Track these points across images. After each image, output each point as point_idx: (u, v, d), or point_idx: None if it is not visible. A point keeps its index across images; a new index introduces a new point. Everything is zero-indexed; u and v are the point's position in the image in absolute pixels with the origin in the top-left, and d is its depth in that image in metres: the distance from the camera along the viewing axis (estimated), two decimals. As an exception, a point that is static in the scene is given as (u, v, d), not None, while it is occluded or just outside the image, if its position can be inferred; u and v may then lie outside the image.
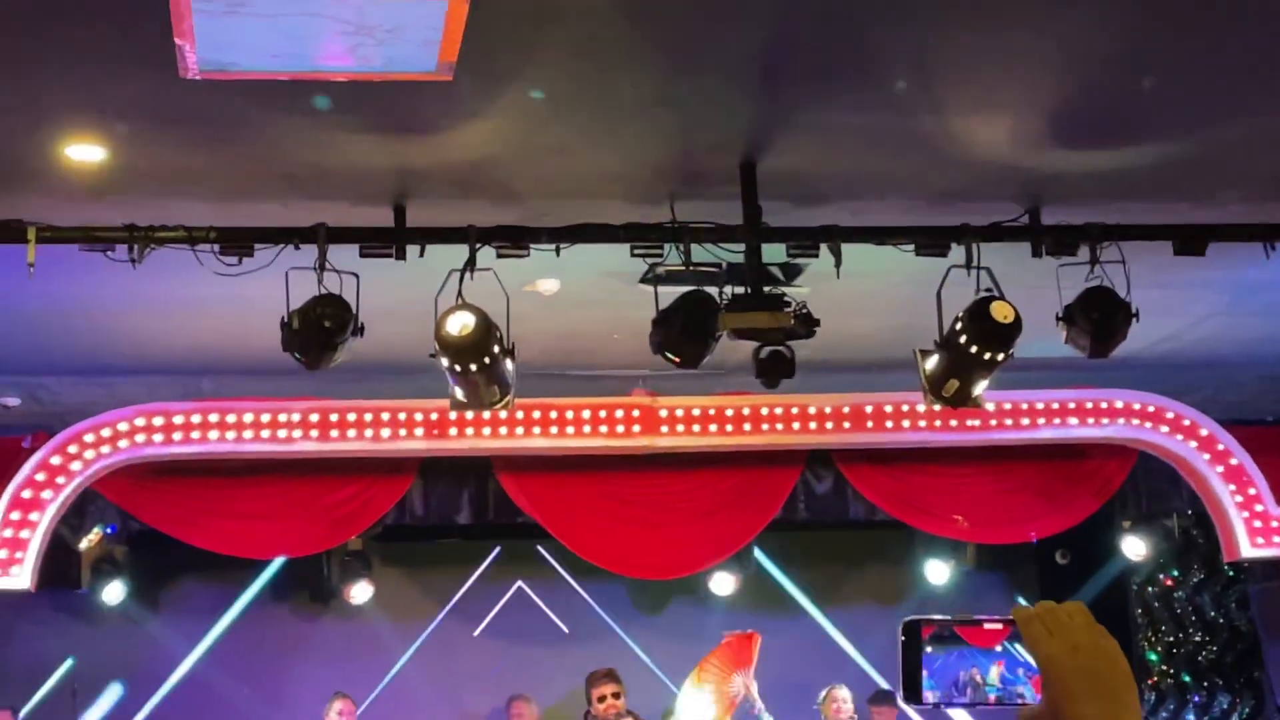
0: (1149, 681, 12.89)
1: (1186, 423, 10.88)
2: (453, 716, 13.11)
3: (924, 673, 2.35)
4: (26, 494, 10.07)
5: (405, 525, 11.68)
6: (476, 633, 13.43)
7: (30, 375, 10.97)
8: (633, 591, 13.49)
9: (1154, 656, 12.88)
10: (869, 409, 10.77)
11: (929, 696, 2.35)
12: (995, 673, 2.37)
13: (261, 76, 5.86)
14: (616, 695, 10.70)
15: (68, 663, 12.99)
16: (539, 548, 13.11)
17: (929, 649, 2.33)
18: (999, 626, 2.33)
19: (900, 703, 2.38)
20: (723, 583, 13.04)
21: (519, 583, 13.66)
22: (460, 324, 7.51)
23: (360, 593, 12.92)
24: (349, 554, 12.69)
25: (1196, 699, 12.66)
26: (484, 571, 13.62)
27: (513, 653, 13.42)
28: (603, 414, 10.57)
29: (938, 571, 12.97)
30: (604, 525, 11.18)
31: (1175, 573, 12.80)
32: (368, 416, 10.38)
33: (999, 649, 2.37)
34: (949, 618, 2.36)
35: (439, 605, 13.61)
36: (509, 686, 12.63)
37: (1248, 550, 10.80)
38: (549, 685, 12.91)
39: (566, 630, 13.49)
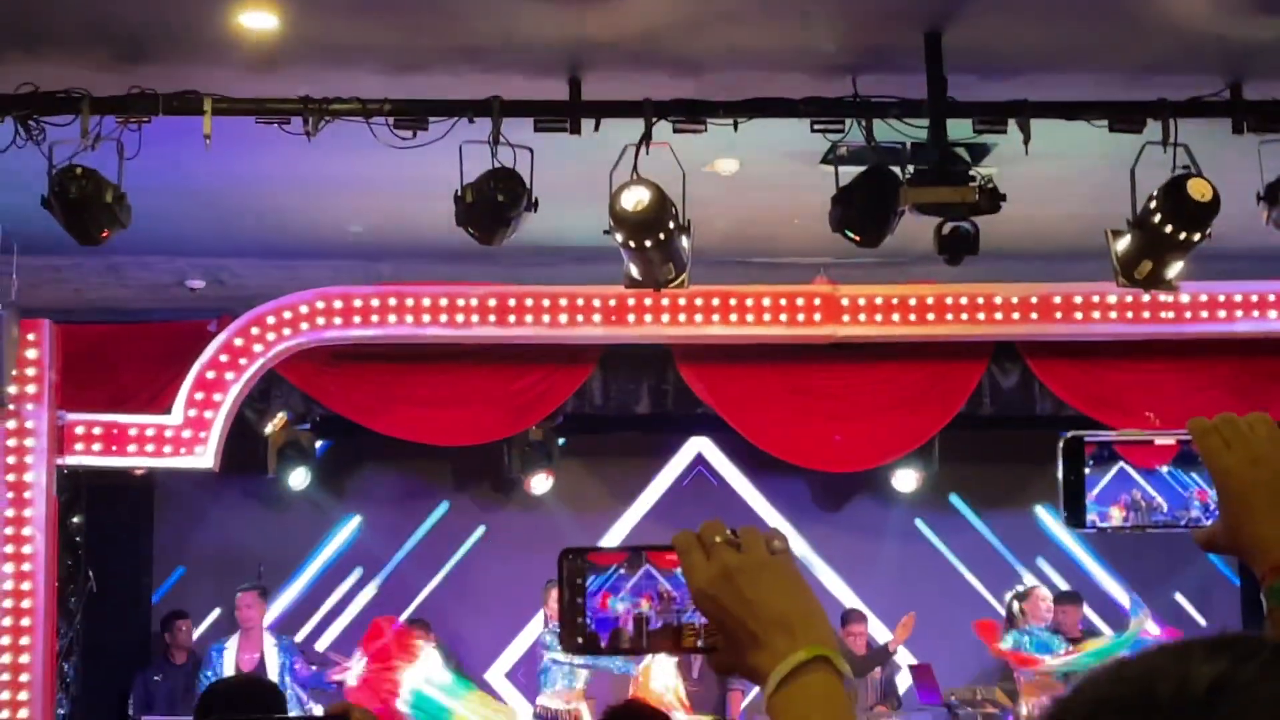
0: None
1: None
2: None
3: (1087, 494, 2.12)
4: (210, 375, 10.18)
5: (584, 415, 11.66)
6: (654, 525, 13.38)
7: (213, 257, 11.08)
8: (812, 486, 13.34)
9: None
10: (1058, 299, 10.45)
11: (1093, 519, 2.13)
12: (1164, 494, 2.13)
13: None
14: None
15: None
16: (718, 439, 12.99)
17: (1090, 468, 2.11)
18: (1171, 442, 2.09)
19: (1065, 525, 2.12)
20: (905, 479, 12.83)
21: (698, 472, 13.58)
22: (635, 199, 7.40)
23: (540, 483, 12.93)
24: (529, 444, 12.69)
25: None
26: (664, 464, 13.55)
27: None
28: (783, 302, 10.38)
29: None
30: (785, 417, 11.04)
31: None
32: (545, 302, 10.31)
33: (1166, 469, 2.13)
34: (1114, 433, 2.13)
35: (617, 497, 13.58)
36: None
37: None
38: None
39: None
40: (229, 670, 11.27)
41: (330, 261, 10.90)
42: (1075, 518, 2.12)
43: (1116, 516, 2.12)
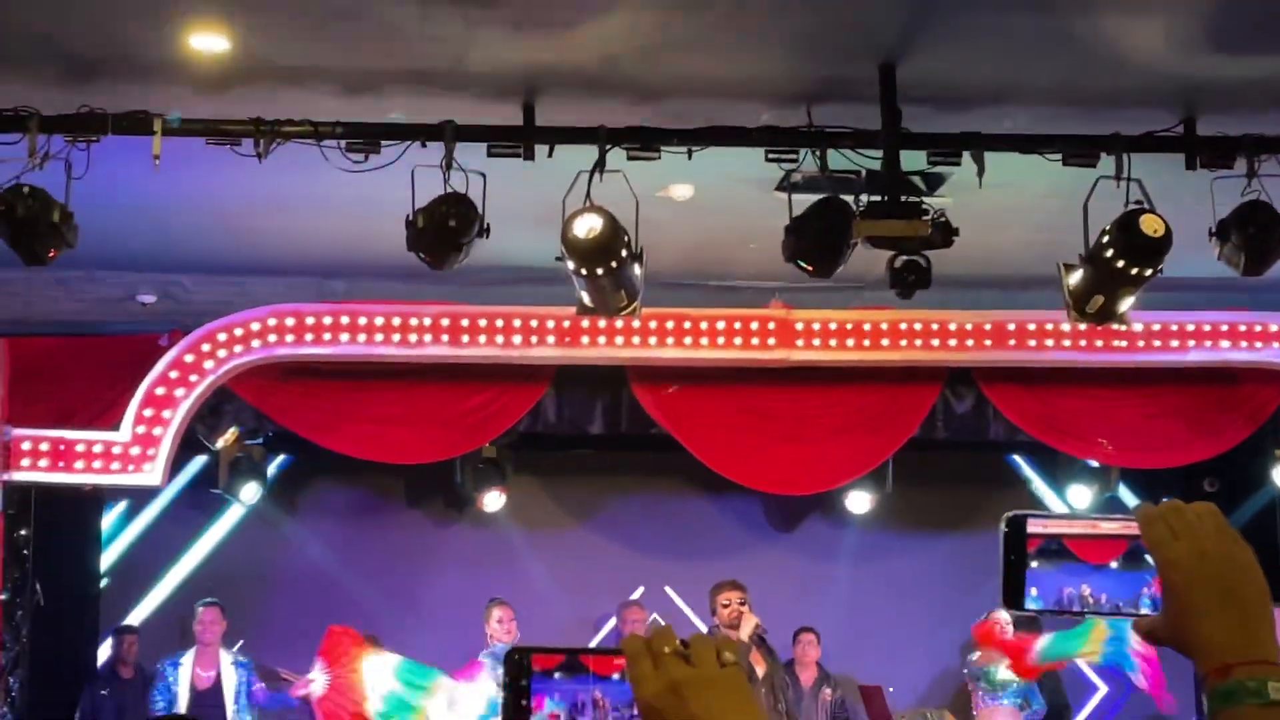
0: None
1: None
2: (583, 625, 13.05)
3: (1027, 582, 2.06)
4: (160, 391, 10.10)
5: (538, 434, 11.61)
6: (607, 543, 13.33)
7: (165, 273, 10.98)
8: (766, 506, 13.31)
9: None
10: (1011, 326, 10.47)
11: (1030, 605, 2.07)
12: (1111, 586, 2.06)
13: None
14: (742, 601, 10.54)
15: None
16: (671, 460, 12.94)
17: (1034, 563, 2.04)
18: (1117, 531, 2.02)
19: (1003, 605, 2.05)
20: (858, 501, 12.81)
21: (651, 495, 13.52)
22: (587, 226, 7.36)
23: (493, 501, 12.86)
24: (482, 461, 12.61)
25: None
26: (617, 483, 13.50)
27: (642, 565, 13.32)
28: (737, 325, 10.37)
29: (1080, 497, 12.64)
30: (738, 439, 11.02)
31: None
32: (499, 322, 10.27)
33: (1114, 564, 2.06)
34: (1059, 519, 2.05)
35: (571, 514, 13.52)
36: (629, 590, 12.53)
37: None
38: (680, 597, 12.81)
39: (698, 545, 13.35)
40: (184, 687, 11.15)
41: (283, 279, 10.83)
42: (1013, 600, 2.06)
43: (1059, 603, 2.07)
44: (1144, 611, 2.02)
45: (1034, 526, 2.04)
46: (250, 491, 12.42)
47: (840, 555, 13.44)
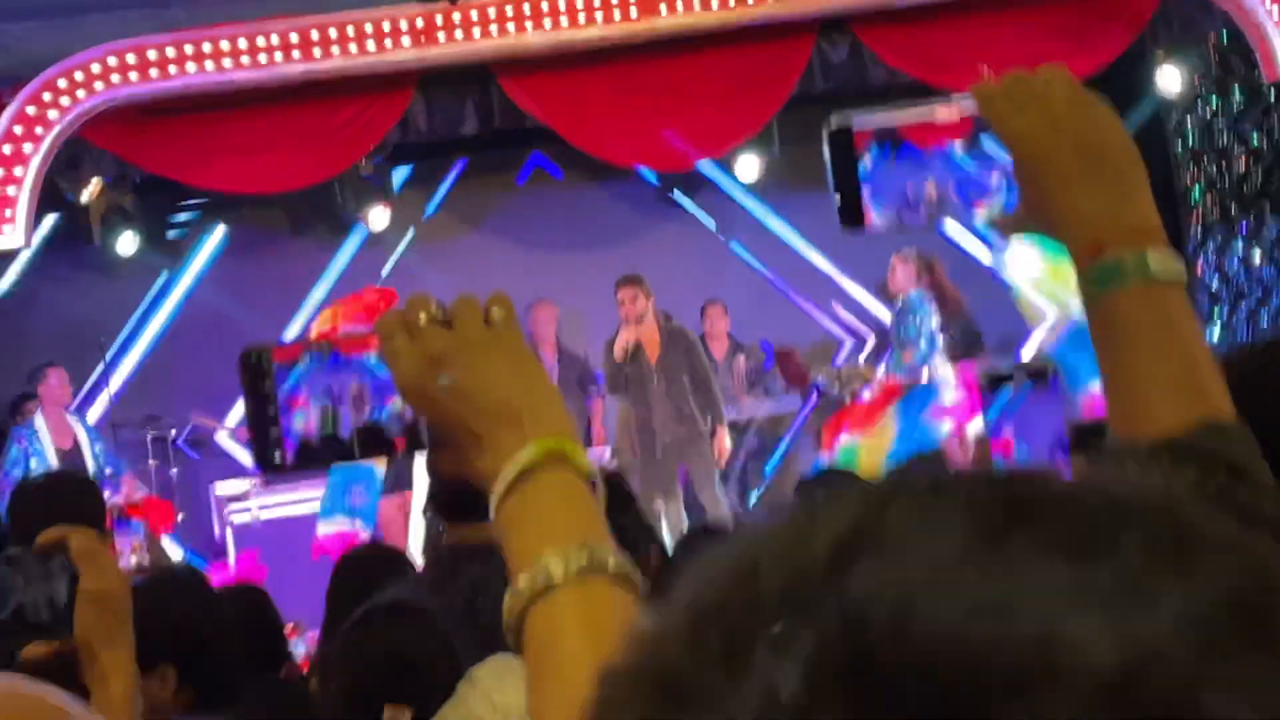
0: (1191, 219, 12.48)
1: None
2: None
3: (863, 188, 1.74)
4: (7, 149, 9.66)
5: (412, 143, 11.33)
6: (497, 242, 13.07)
7: (-10, 23, 10.43)
8: (658, 187, 13.05)
9: (1197, 192, 12.45)
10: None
11: (876, 219, 1.77)
12: (958, 176, 1.73)
13: None
14: (635, 298, 10.42)
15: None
16: (554, 151, 12.62)
17: (865, 156, 1.72)
18: (955, 116, 1.70)
19: (842, 227, 1.73)
20: (747, 167, 12.55)
21: (539, 190, 13.23)
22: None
23: (379, 218, 12.53)
24: (361, 178, 12.27)
25: (1244, 227, 12.27)
26: (501, 181, 13.17)
27: (537, 259, 13.09)
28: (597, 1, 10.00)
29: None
30: (616, 121, 10.75)
31: (1215, 102, 12.23)
32: (350, 29, 9.85)
33: (959, 144, 1.72)
34: (889, 112, 1.74)
35: (462, 220, 13.22)
36: (532, 294, 12.34)
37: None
38: (571, 292, 12.64)
39: (589, 234, 13.12)
40: (49, 448, 10.71)
41: (116, 14, 10.29)
42: (851, 216, 1.77)
43: (903, 211, 1.78)
44: (1000, 201, 1.74)
45: (862, 126, 1.73)
46: (127, 243, 12.05)
47: (736, 223, 13.25)
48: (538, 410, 1.41)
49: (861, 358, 12.68)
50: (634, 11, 10.02)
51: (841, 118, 1.73)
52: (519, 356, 1.44)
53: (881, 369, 11.86)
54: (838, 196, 1.78)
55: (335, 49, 9.84)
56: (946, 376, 10.84)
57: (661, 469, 10.51)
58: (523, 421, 1.40)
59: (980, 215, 1.77)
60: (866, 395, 11.05)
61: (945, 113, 1.73)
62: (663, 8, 10.04)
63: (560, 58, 10.29)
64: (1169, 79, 11.61)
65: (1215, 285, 12.52)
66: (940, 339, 11.22)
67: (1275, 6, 10.28)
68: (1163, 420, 1.43)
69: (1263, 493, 1.40)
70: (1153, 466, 1.40)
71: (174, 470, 11.76)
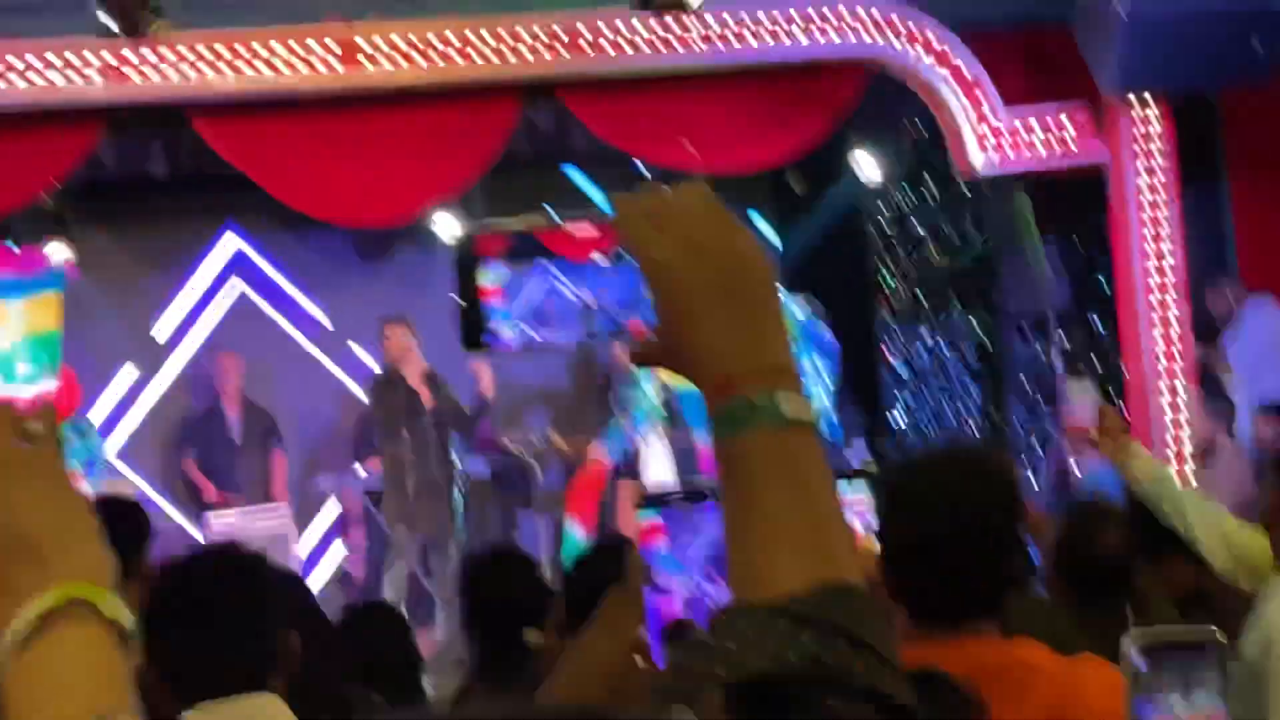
0: (883, 304, 12.77)
1: (921, 36, 10.47)
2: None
3: (489, 300, 1.60)
4: None
5: (100, 182, 11.11)
6: (190, 294, 12.65)
7: None
8: (357, 240, 12.77)
9: (890, 280, 12.74)
10: (587, 36, 10.11)
11: (504, 331, 1.62)
12: (606, 290, 1.59)
13: None
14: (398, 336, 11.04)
15: None
16: (249, 199, 12.27)
17: (496, 271, 1.58)
18: (593, 230, 1.56)
19: (464, 347, 1.57)
20: (448, 227, 12.35)
21: (233, 237, 12.83)
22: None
23: (56, 252, 11.97)
24: (41, 212, 11.72)
25: (932, 315, 12.62)
26: (193, 226, 12.73)
27: (239, 309, 12.76)
28: (294, 45, 9.72)
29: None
30: (312, 170, 10.48)
31: (909, 191, 12.53)
32: (35, 59, 9.39)
33: (601, 259, 1.59)
34: (518, 221, 1.61)
35: (149, 265, 12.75)
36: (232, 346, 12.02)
37: (979, 162, 10.57)
38: (271, 341, 12.34)
39: (292, 285, 12.79)
40: None
41: None
42: (474, 336, 1.62)
43: (534, 325, 1.64)
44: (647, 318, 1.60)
45: (496, 240, 1.59)
46: None
47: (437, 285, 13.04)
48: (67, 546, 1.21)
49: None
50: (337, 65, 9.83)
51: (463, 241, 1.61)
52: (53, 482, 1.23)
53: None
54: (461, 313, 1.62)
55: (20, 80, 9.40)
56: None
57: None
58: (47, 560, 1.19)
59: (627, 335, 1.65)
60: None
61: (585, 231, 1.61)
62: (367, 63, 9.85)
63: (255, 103, 10.01)
64: (867, 166, 11.84)
65: (903, 372, 12.79)
66: None
67: (969, 102, 10.52)
68: (784, 582, 1.35)
69: (881, 667, 1.34)
70: (769, 630, 1.32)
71: None
